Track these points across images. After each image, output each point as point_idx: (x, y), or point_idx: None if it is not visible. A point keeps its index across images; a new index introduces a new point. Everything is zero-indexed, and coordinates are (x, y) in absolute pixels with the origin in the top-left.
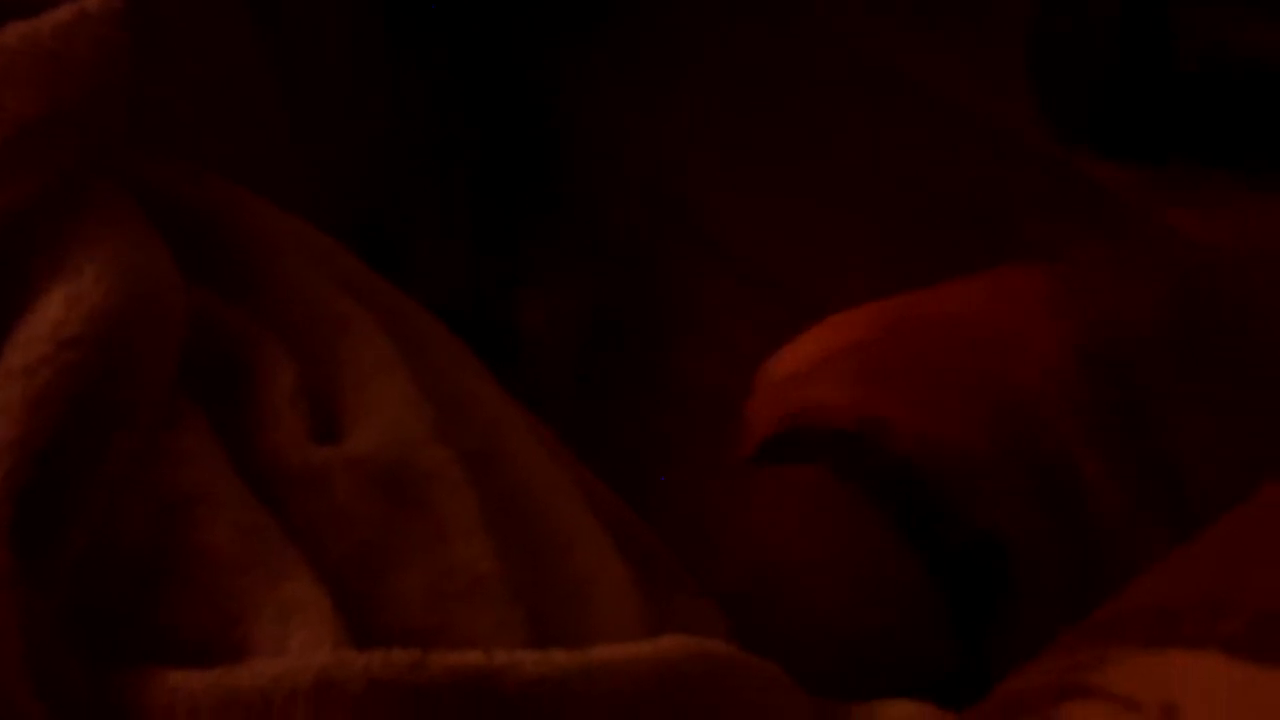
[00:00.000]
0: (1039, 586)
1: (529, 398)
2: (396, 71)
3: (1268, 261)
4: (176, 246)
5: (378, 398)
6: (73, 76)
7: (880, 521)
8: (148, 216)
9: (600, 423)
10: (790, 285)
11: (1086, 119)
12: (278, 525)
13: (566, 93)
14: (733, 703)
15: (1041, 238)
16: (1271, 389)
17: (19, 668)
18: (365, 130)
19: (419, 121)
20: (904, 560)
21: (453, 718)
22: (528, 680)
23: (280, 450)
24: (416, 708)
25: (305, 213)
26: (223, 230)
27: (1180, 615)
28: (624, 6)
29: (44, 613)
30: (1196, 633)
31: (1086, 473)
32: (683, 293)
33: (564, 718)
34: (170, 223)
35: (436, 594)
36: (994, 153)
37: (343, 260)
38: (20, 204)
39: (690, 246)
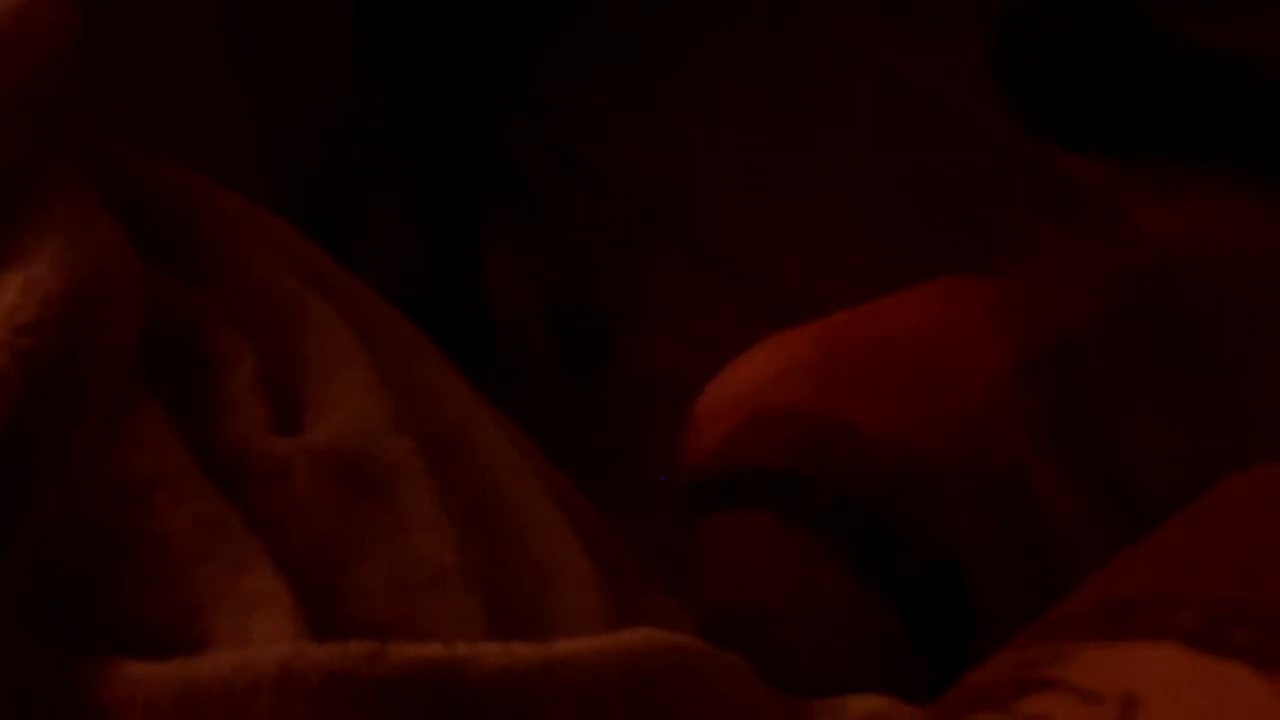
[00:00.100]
0: (996, 603)
1: (501, 387)
2: (359, 60)
3: (1231, 252)
4: (136, 233)
5: (339, 388)
6: (25, 57)
7: (831, 558)
8: (107, 203)
9: (571, 413)
10: (769, 278)
11: (1054, 113)
12: (238, 515)
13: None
14: (697, 695)
15: (1011, 230)
16: (1221, 380)
17: None
18: (326, 118)
19: (379, 110)
20: (860, 594)
21: (413, 709)
22: (489, 673)
23: (240, 440)
24: (377, 699)
25: (265, 200)
26: (183, 217)
27: (1137, 609)
28: (623, 6)
29: (2, 600)
30: (1154, 625)
31: (1038, 484)
32: (657, 288)
33: (526, 710)
34: (130, 209)
35: (398, 585)
36: (966, 147)
37: (303, 248)
38: None
39: (665, 240)
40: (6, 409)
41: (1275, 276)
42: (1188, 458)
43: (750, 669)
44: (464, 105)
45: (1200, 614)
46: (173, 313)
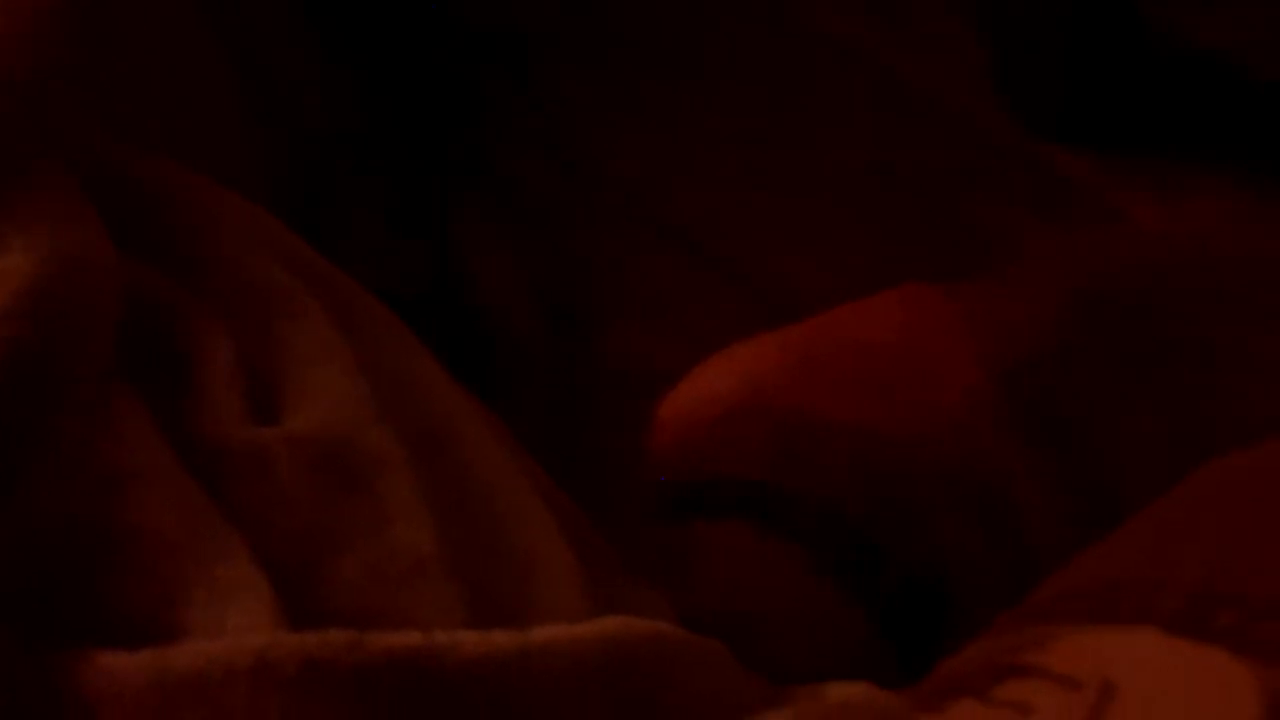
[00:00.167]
0: (981, 613)
1: (498, 386)
2: (330, 56)
3: (1230, 252)
4: (117, 224)
5: (320, 378)
6: (9, 50)
7: (812, 571)
8: (88, 193)
9: (569, 412)
10: (769, 278)
11: (1054, 113)
12: (216, 506)
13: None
14: (676, 682)
15: (1011, 230)
16: (1216, 381)
17: None
18: (307, 112)
19: (379, 110)
20: (842, 606)
21: (391, 698)
22: (468, 660)
23: (219, 430)
24: (355, 688)
25: (249, 193)
26: (164, 208)
27: (1116, 596)
28: (623, 6)
29: None
30: (1132, 612)
31: (1018, 491)
32: (656, 287)
33: (505, 698)
34: (111, 200)
35: (378, 576)
36: (966, 147)
37: (286, 240)
38: None
39: (664, 240)
40: None
41: (1275, 276)
42: (1164, 452)
43: (730, 655)
44: (463, 105)
45: (1180, 599)
46: (152, 304)
